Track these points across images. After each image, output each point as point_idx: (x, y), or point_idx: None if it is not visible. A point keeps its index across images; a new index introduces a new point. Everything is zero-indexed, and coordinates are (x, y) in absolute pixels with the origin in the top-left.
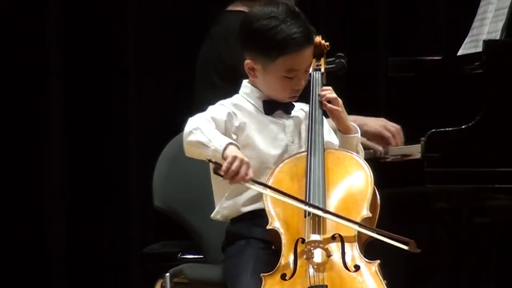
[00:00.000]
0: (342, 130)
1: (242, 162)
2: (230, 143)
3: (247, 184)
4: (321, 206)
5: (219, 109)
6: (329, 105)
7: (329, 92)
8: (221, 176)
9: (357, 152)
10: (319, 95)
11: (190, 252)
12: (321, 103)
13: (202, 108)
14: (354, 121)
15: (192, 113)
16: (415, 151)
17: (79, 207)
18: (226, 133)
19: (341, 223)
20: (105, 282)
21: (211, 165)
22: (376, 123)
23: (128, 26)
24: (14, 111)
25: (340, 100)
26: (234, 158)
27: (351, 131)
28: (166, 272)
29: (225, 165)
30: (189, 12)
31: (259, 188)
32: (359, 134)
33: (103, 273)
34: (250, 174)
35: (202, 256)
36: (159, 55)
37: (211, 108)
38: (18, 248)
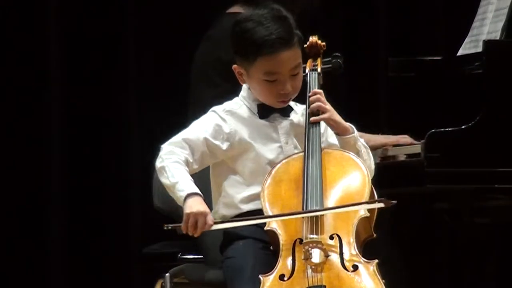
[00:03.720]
0: (339, 132)
1: (196, 215)
2: (188, 195)
3: (213, 228)
4: (319, 205)
5: (203, 123)
6: (313, 118)
7: (317, 101)
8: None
9: (358, 151)
10: (309, 96)
11: (190, 252)
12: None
13: (201, 107)
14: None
15: (190, 113)
16: (415, 151)
17: (79, 207)
18: (210, 148)
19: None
20: (105, 282)
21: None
22: (380, 138)
23: (129, 25)
24: (14, 111)
25: (328, 105)
26: (188, 215)
27: (348, 131)
28: (166, 272)
29: (182, 226)
30: (189, 12)
31: (224, 225)
32: (355, 133)
33: (103, 273)
34: (209, 221)
35: (202, 256)
36: (159, 55)
37: (194, 124)
38: (18, 248)
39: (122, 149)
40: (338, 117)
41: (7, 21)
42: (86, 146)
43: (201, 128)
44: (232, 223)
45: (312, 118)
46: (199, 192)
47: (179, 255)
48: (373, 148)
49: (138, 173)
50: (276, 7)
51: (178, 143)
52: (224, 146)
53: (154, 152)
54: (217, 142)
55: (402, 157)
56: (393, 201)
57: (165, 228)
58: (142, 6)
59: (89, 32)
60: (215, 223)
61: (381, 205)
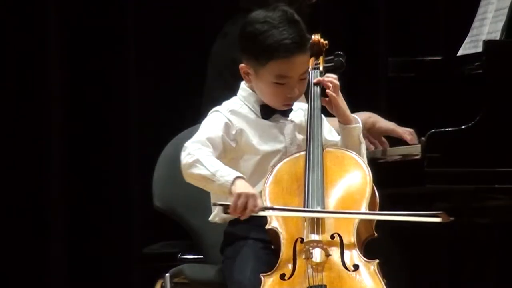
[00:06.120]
0: (342, 121)
1: (247, 196)
2: (236, 178)
3: (260, 213)
4: (320, 205)
5: (215, 122)
6: (329, 91)
7: (335, 78)
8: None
9: (360, 143)
10: (321, 81)
11: (190, 252)
12: (320, 100)
13: (214, 104)
14: (369, 117)
15: (204, 108)
16: (415, 151)
17: (79, 207)
18: (224, 146)
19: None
20: (105, 282)
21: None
22: (389, 122)
23: (128, 25)
24: (14, 111)
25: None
26: (239, 195)
27: (352, 122)
28: (166, 272)
29: (231, 205)
30: (190, 12)
31: (271, 213)
32: (360, 125)
33: (103, 273)
34: (259, 204)
35: (202, 256)
36: (159, 55)
37: (206, 123)
38: (18, 248)
39: (122, 149)
40: (345, 105)
41: (7, 21)
42: (86, 146)
43: (216, 127)
44: (280, 211)
45: (327, 91)
46: (244, 176)
47: (179, 255)
48: (381, 131)
49: (138, 173)
50: (288, 10)
51: (203, 142)
52: (233, 144)
53: (153, 153)
54: (229, 141)
55: (402, 157)
56: (451, 218)
57: (213, 205)
58: (142, 6)
59: (89, 32)
60: (264, 208)
61: (438, 219)
